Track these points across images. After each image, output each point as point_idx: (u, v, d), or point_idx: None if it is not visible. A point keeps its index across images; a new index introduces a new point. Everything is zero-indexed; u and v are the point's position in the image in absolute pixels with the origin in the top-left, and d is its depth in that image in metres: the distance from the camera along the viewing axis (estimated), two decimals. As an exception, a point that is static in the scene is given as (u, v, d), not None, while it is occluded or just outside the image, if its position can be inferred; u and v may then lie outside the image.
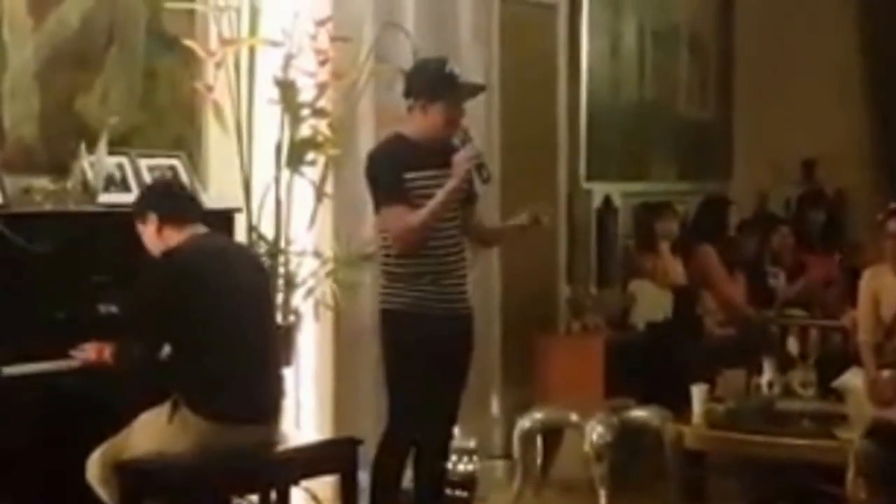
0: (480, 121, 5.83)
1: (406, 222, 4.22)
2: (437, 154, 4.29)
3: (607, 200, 6.84)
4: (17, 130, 4.34)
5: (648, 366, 5.96)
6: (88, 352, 3.88)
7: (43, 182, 4.28)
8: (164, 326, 3.83)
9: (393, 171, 4.25)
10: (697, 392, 5.17)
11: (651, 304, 6.42)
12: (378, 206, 4.32)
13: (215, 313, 3.82)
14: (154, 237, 3.94)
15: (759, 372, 5.48)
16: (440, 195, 4.21)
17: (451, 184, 4.22)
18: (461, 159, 4.23)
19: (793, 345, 6.23)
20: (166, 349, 3.87)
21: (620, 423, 5.52)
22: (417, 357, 4.28)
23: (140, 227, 3.98)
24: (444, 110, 4.28)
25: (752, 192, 7.92)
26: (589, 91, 6.79)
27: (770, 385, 5.42)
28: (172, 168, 4.62)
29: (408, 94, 4.37)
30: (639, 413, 5.58)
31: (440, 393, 4.36)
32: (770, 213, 7.73)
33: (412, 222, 4.22)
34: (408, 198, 4.23)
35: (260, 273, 4.16)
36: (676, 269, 6.56)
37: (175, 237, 3.91)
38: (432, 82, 4.31)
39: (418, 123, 4.32)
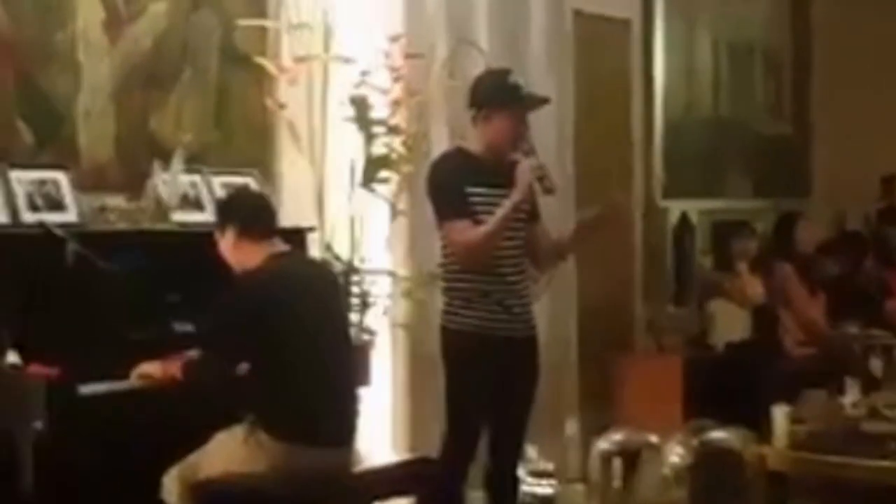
0: (553, 138, 5.78)
1: (470, 236, 4.15)
2: (499, 171, 4.22)
3: (684, 218, 6.75)
4: (92, 149, 4.35)
5: (727, 386, 5.85)
6: (151, 370, 3.84)
7: (118, 201, 4.30)
8: (242, 346, 3.80)
9: (456, 185, 4.19)
10: (779, 413, 5.06)
11: (729, 323, 6.33)
12: (441, 220, 4.25)
13: (294, 334, 3.78)
14: (231, 250, 3.91)
15: (842, 393, 5.36)
16: (504, 208, 4.12)
17: (514, 196, 4.12)
18: (524, 170, 4.15)
19: (876, 365, 6.10)
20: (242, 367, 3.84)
21: (700, 445, 5.42)
22: (478, 379, 4.21)
23: (218, 237, 3.95)
24: (507, 120, 4.20)
25: (831, 210, 7.79)
26: (664, 107, 6.72)
27: (854, 406, 5.29)
28: (246, 186, 4.59)
29: (471, 104, 4.30)
30: (719, 435, 5.46)
31: (503, 416, 4.29)
32: (854, 232, 7.58)
33: (476, 236, 4.14)
34: (470, 211, 4.16)
35: (337, 292, 4.13)
36: (755, 289, 6.46)
37: (253, 254, 3.87)
38: (495, 91, 4.24)
39: (481, 135, 4.25)
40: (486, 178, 4.19)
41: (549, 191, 4.21)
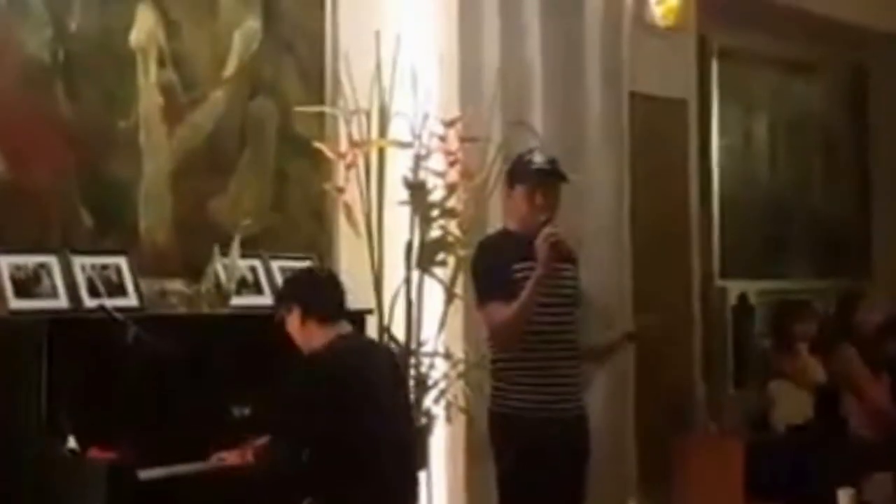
0: (611, 219, 5.76)
1: (500, 316, 4.16)
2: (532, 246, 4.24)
3: (743, 298, 6.68)
4: (152, 234, 4.40)
5: (790, 469, 5.75)
6: (230, 458, 3.87)
7: (177, 285, 4.33)
8: (308, 430, 3.79)
9: (492, 266, 4.24)
10: (844, 497, 4.93)
11: (791, 405, 6.22)
12: (479, 304, 4.30)
13: (358, 417, 3.77)
14: (298, 329, 3.92)
15: (908, 476, 5.26)
16: (528, 285, 4.12)
17: (537, 271, 4.13)
18: (538, 242, 4.14)
19: (942, 447, 5.98)
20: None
21: (764, 529, 5.34)
22: (528, 462, 4.17)
23: (284, 315, 3.95)
24: (524, 194, 4.27)
25: (892, 290, 7.67)
26: (721, 187, 6.70)
27: (922, 490, 5.19)
28: (313, 267, 4.59)
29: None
30: (783, 519, 5.39)
31: (557, 497, 4.23)
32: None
33: (504, 316, 4.15)
34: (509, 291, 4.15)
35: (399, 374, 4.13)
36: (816, 370, 6.37)
37: (318, 335, 3.88)
38: (512, 167, 4.38)
39: (508, 212, 4.39)
40: (524, 253, 4.20)
41: (567, 259, 4.22)
